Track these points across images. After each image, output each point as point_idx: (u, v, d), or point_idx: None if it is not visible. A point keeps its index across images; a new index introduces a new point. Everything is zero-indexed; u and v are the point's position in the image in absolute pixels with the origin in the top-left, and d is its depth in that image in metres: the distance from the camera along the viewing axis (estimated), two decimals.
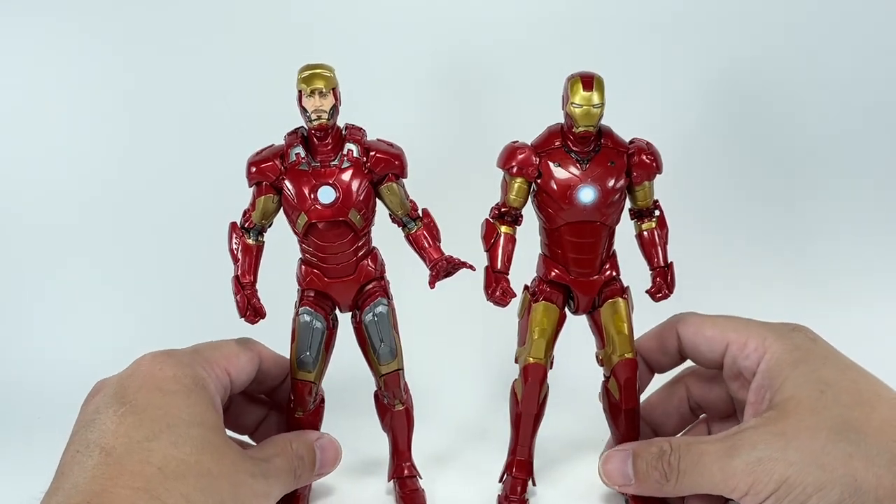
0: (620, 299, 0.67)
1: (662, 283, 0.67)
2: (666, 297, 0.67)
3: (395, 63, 1.00)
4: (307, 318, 0.65)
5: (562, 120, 0.64)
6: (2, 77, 1.01)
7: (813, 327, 0.62)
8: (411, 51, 1.00)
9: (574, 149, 0.64)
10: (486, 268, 0.65)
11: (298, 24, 0.99)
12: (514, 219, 0.66)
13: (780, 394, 0.57)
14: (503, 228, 0.65)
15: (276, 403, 0.70)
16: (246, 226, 0.65)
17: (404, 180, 0.65)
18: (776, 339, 0.60)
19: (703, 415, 0.70)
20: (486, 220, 0.66)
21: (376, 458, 0.73)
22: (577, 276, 0.66)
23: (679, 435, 0.70)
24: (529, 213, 0.66)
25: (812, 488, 0.51)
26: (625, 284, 0.68)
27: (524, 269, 0.68)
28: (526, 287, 0.68)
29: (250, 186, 0.64)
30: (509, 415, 0.69)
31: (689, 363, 0.68)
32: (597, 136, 0.64)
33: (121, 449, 0.50)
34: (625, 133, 0.66)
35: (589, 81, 0.61)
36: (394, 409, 0.69)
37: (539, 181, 0.64)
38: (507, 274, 0.65)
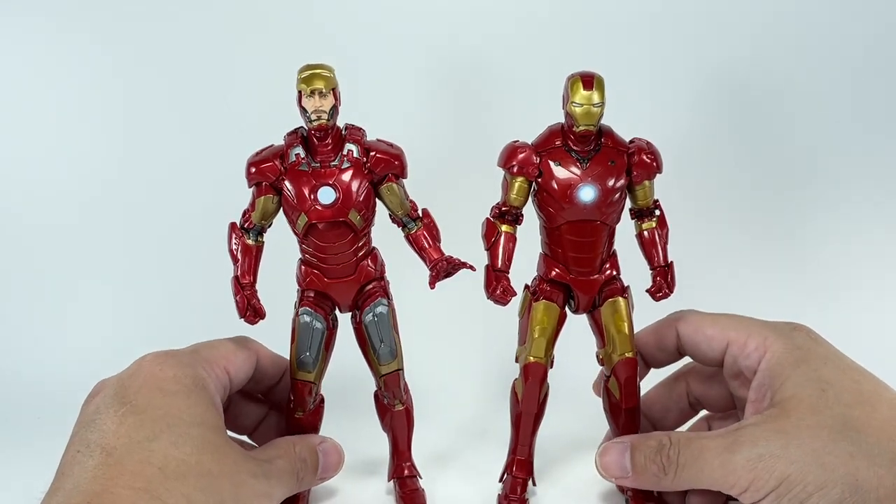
0: (621, 298, 0.67)
1: (663, 282, 0.67)
2: (666, 296, 0.67)
3: (395, 63, 1.00)
4: (307, 318, 0.65)
5: (562, 119, 0.64)
6: (2, 77, 1.02)
7: (813, 326, 0.62)
8: (411, 51, 1.00)
9: (574, 148, 0.64)
10: (487, 266, 0.65)
11: (298, 24, 0.99)
12: (515, 218, 0.66)
13: (781, 392, 0.57)
14: (504, 227, 0.65)
15: (273, 403, 0.70)
16: (245, 226, 0.65)
17: (404, 180, 0.65)
18: (777, 339, 0.60)
19: (703, 411, 0.70)
20: (487, 219, 0.66)
21: (376, 458, 0.73)
22: (578, 276, 0.66)
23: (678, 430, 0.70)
24: (530, 212, 0.66)
25: (813, 486, 0.51)
26: (625, 284, 0.68)
27: (525, 268, 0.68)
28: (526, 286, 0.68)
29: (250, 187, 0.64)
30: (509, 414, 0.69)
31: (686, 359, 0.68)
32: (597, 135, 0.64)
33: (121, 449, 0.50)
34: (625, 133, 0.66)
35: (589, 81, 0.61)
36: (394, 409, 0.69)
37: (539, 180, 0.64)
38: (508, 273, 0.65)
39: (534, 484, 0.70)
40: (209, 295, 0.76)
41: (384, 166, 0.63)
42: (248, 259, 0.65)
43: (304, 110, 0.61)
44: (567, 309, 0.68)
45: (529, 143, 0.65)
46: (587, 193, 0.63)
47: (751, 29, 1.01)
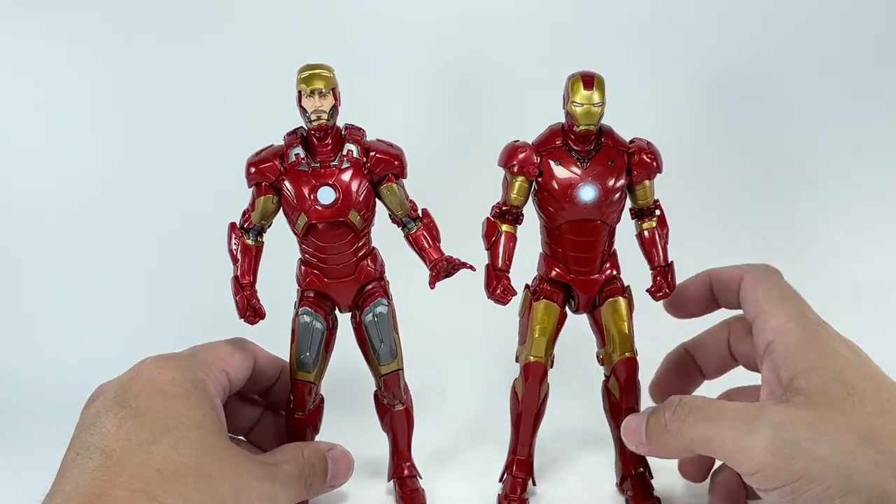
0: (621, 298, 0.67)
1: (663, 282, 0.67)
2: (666, 296, 0.67)
3: (395, 63, 0.99)
4: (307, 318, 0.65)
5: (562, 119, 0.64)
6: (2, 77, 1.01)
7: None
8: (411, 51, 1.00)
9: (575, 148, 0.64)
10: (487, 266, 0.65)
11: (298, 24, 0.99)
12: (515, 217, 0.66)
13: (802, 381, 0.54)
14: (504, 227, 0.65)
15: (270, 404, 0.70)
16: (245, 226, 0.65)
17: (404, 180, 0.65)
18: (799, 325, 0.58)
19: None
20: (487, 218, 0.66)
21: (376, 458, 0.73)
22: (578, 275, 0.66)
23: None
24: (530, 212, 0.66)
25: (835, 491, 0.49)
26: (625, 283, 0.68)
27: (525, 268, 0.68)
28: (527, 286, 0.68)
29: (250, 187, 0.64)
30: (509, 414, 0.69)
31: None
32: (597, 135, 0.64)
33: (121, 451, 0.50)
34: (625, 132, 0.65)
35: (589, 80, 0.61)
36: (394, 409, 0.69)
37: (540, 180, 0.64)
38: (508, 272, 0.65)
39: (534, 484, 0.70)
40: (209, 295, 0.76)
41: (384, 166, 0.63)
42: (247, 259, 0.65)
43: (303, 110, 0.61)
44: (567, 308, 0.68)
45: (530, 142, 0.65)
46: (587, 193, 0.63)
47: (751, 29, 1.01)
